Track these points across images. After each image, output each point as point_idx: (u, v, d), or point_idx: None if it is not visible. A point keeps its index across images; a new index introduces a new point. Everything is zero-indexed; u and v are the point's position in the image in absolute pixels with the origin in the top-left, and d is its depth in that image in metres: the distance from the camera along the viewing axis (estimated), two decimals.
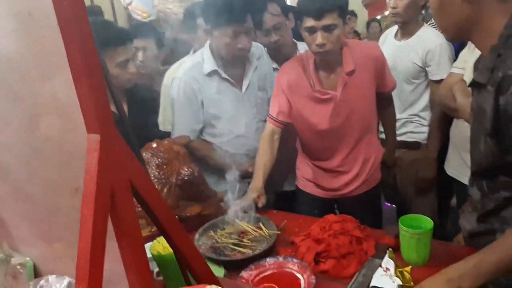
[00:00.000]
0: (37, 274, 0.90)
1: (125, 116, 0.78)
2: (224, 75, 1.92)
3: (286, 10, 2.09)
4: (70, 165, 0.71)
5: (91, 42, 0.62)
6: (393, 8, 2.14)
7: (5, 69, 0.70)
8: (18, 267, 0.89)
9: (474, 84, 1.12)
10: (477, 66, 1.16)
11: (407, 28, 2.20)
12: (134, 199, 0.72)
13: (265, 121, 1.97)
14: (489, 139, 1.06)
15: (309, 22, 1.61)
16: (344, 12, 1.66)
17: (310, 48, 1.70)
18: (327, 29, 1.61)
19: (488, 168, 1.12)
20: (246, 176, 1.87)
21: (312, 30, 1.63)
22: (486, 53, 1.05)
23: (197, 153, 1.95)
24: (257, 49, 2.05)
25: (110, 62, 1.65)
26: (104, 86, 0.64)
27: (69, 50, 0.60)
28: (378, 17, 4.30)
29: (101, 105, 0.63)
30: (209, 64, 1.91)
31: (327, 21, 1.59)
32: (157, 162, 1.52)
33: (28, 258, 0.89)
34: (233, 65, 1.91)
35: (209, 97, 1.92)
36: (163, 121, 2.01)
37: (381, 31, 4.04)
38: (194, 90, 1.90)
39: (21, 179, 0.81)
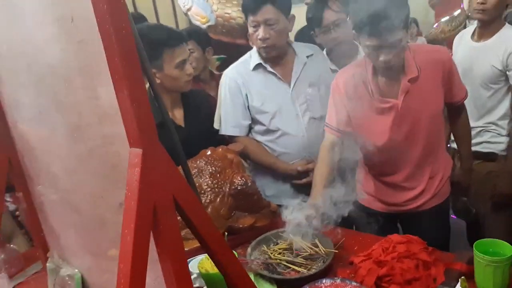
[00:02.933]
0: (84, 286, 0.89)
1: (171, 125, 0.74)
2: (269, 69, 1.92)
3: (347, 5, 2.00)
4: (114, 179, 0.68)
5: (133, 50, 0.58)
6: (482, 3, 1.95)
7: (50, 76, 0.69)
8: (67, 278, 0.88)
9: None
10: None
11: (488, 28, 2.00)
12: (178, 217, 0.67)
13: (316, 119, 1.92)
14: None
15: (369, 41, 1.48)
16: (406, 22, 1.50)
17: (368, 56, 1.59)
18: (390, 47, 1.47)
19: None
20: (297, 178, 1.89)
21: (372, 48, 1.50)
22: None
23: (250, 154, 1.93)
24: (310, 48, 2.03)
25: (169, 64, 1.65)
26: (146, 97, 0.60)
27: (110, 57, 0.57)
28: (445, 18, 4.05)
29: (143, 118, 0.59)
30: (255, 59, 1.93)
31: (390, 38, 1.44)
32: (210, 171, 1.49)
33: (76, 270, 0.88)
34: (275, 60, 1.92)
35: (254, 90, 1.91)
36: (216, 119, 2.01)
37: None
38: (238, 84, 1.92)
39: (68, 189, 0.79)
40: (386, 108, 1.65)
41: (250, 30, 1.84)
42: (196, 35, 2.31)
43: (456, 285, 1.07)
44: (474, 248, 1.13)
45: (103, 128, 0.66)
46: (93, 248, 0.82)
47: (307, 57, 1.97)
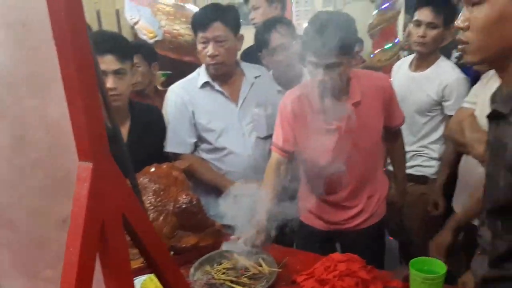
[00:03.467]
0: None
1: (120, 136, 0.71)
2: (217, 87, 1.94)
3: (294, 32, 2.10)
4: (59, 193, 0.64)
5: (89, 59, 0.56)
6: (422, 37, 2.09)
7: None
8: None
9: (493, 116, 1.06)
10: (495, 98, 1.10)
11: (425, 60, 2.15)
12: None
13: (262, 138, 1.95)
14: (510, 174, 0.99)
15: (313, 58, 1.56)
16: (352, 47, 1.61)
17: (313, 81, 1.65)
18: (331, 67, 1.55)
19: (505, 205, 1.05)
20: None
21: (316, 65, 1.57)
22: (509, 84, 1.00)
23: (194, 172, 1.90)
24: (258, 69, 2.07)
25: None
26: (100, 109, 0.58)
27: (64, 66, 0.54)
28: (382, 48, 4.30)
29: (96, 130, 0.57)
30: (203, 77, 1.94)
31: (331, 59, 1.53)
32: (154, 188, 1.45)
33: None
34: (223, 79, 1.94)
35: (200, 108, 1.92)
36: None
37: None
38: (184, 101, 1.91)
39: (4, 202, 0.73)
40: (330, 130, 1.72)
41: (199, 46, 1.85)
42: (143, 49, 2.27)
43: None
44: (410, 266, 1.19)
45: (50, 139, 0.62)
46: (29, 269, 0.76)
47: (255, 77, 2.01)
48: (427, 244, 2.11)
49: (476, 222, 1.31)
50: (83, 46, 0.55)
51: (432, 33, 2.07)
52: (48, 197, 0.67)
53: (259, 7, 2.58)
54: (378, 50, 4.28)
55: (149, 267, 0.70)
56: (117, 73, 1.64)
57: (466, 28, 0.99)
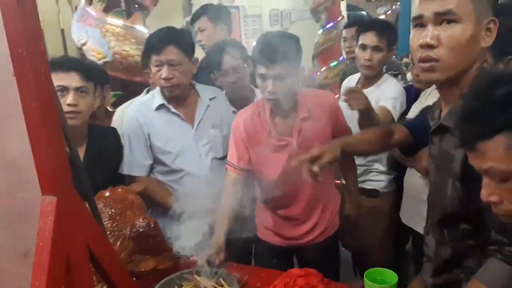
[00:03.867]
0: None
1: (78, 158, 0.71)
2: (173, 109, 1.94)
3: (244, 53, 2.16)
4: (20, 227, 0.64)
5: (51, 95, 0.57)
6: (368, 60, 2.18)
7: None
8: None
9: (438, 130, 1.14)
10: (432, 115, 1.20)
11: (371, 80, 2.26)
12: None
13: (219, 159, 1.96)
14: (458, 183, 1.07)
15: (261, 70, 1.64)
16: (297, 61, 1.69)
17: (262, 94, 1.72)
18: (278, 77, 1.63)
19: (451, 214, 1.13)
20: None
21: (264, 77, 1.64)
22: (453, 101, 1.09)
23: (151, 195, 1.88)
24: (213, 91, 2.09)
25: None
26: (63, 143, 0.59)
27: (25, 103, 0.55)
28: (333, 64, 4.47)
29: (59, 164, 0.58)
30: (158, 100, 1.94)
31: (277, 70, 1.61)
32: (110, 213, 1.43)
33: None
34: (179, 101, 1.95)
35: (156, 130, 1.91)
36: None
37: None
38: (140, 124, 1.91)
39: None
40: (282, 146, 1.78)
41: (154, 69, 1.85)
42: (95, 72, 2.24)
43: None
44: (364, 277, 1.24)
45: (9, 175, 0.62)
46: None
47: (210, 99, 2.03)
48: (379, 253, 2.20)
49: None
50: (45, 84, 0.56)
51: (378, 56, 2.17)
52: (7, 231, 0.66)
53: (204, 29, 2.64)
54: (324, 68, 4.46)
55: None
56: (79, 90, 1.64)
57: (436, 46, 1.03)
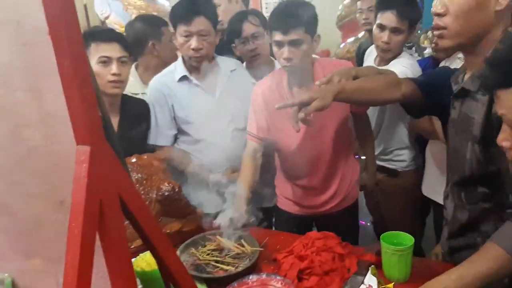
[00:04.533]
0: None
1: (110, 124, 0.76)
2: (195, 81, 1.98)
3: (265, 23, 2.16)
4: (56, 177, 0.69)
5: (82, 53, 0.61)
6: (386, 43, 2.01)
7: None
8: None
9: (460, 94, 1.15)
10: (456, 79, 1.20)
11: (389, 58, 2.11)
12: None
13: (240, 129, 1.99)
14: (477, 146, 1.09)
15: (277, 36, 1.65)
16: (312, 29, 1.69)
17: (279, 62, 1.74)
18: (294, 44, 1.64)
19: (470, 177, 1.15)
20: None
21: (280, 44, 1.66)
22: (476, 65, 1.09)
23: (175, 163, 1.94)
24: (233, 63, 2.13)
25: (92, 58, 1.65)
26: (94, 97, 0.63)
27: (60, 60, 0.59)
28: (351, 39, 4.40)
29: (91, 117, 0.62)
30: (180, 71, 1.97)
31: (293, 36, 1.62)
32: (136, 177, 1.49)
33: (6, 274, 0.85)
34: (201, 72, 1.97)
35: (179, 102, 1.96)
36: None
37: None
38: (164, 95, 1.96)
39: (1, 191, 0.77)
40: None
41: (181, 39, 1.87)
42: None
43: (367, 273, 1.20)
44: (381, 240, 1.28)
45: (45, 128, 0.67)
46: (26, 250, 0.81)
47: (231, 71, 2.06)
48: (400, 224, 2.22)
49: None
50: (77, 41, 0.60)
51: (397, 38, 2.00)
52: (44, 181, 0.72)
53: (220, 4, 2.65)
54: (348, 40, 4.40)
55: (144, 244, 0.76)
56: (120, 60, 1.71)
57: (444, 14, 1.05)
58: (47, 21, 0.59)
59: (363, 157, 2.18)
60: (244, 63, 2.25)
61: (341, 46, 4.53)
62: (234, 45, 2.20)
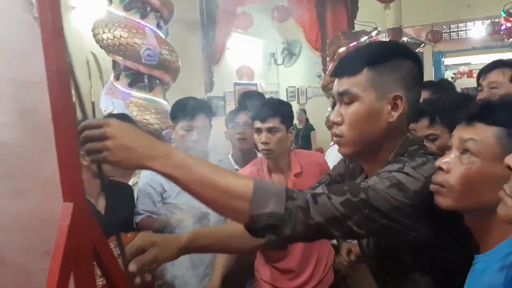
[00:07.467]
0: None
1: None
2: None
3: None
4: (45, 230, 0.88)
5: (74, 136, 0.84)
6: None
7: (4, 151, 0.90)
8: None
9: None
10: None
11: None
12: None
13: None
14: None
15: (257, 124, 1.96)
16: (287, 121, 1.99)
17: (258, 147, 2.00)
18: (270, 130, 1.93)
19: None
20: None
21: (259, 131, 1.96)
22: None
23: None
24: (220, 154, 2.40)
25: None
26: (80, 166, 0.84)
27: (59, 143, 0.81)
28: None
29: (76, 180, 0.83)
30: None
31: (270, 123, 1.93)
32: (118, 253, 1.64)
33: None
34: None
35: (169, 188, 2.13)
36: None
37: None
38: (154, 180, 2.13)
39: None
40: None
41: (182, 132, 2.13)
42: None
43: None
44: None
45: (43, 191, 0.88)
46: None
47: (218, 161, 2.30)
48: None
49: None
50: (72, 126, 0.83)
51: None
52: (35, 234, 0.90)
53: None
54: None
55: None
56: None
57: (340, 123, 1.08)
58: (52, 114, 0.82)
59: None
60: (230, 154, 2.52)
61: (331, 144, 4.84)
62: (226, 131, 2.50)
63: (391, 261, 1.11)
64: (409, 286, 1.09)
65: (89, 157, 0.88)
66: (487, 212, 0.87)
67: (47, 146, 0.85)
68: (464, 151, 0.92)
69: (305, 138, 7.29)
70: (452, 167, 0.92)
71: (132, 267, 1.02)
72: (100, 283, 0.95)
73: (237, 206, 0.92)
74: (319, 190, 0.97)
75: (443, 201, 0.93)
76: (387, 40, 6.17)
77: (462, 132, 0.93)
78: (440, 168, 0.94)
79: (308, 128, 7.43)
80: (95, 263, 0.87)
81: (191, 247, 1.16)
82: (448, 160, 0.94)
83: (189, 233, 1.18)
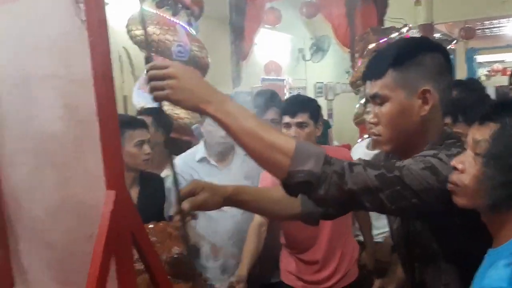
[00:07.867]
0: None
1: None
2: (212, 162, 2.31)
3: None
4: (88, 216, 0.95)
5: (117, 129, 0.90)
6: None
7: (49, 143, 0.97)
8: None
9: None
10: None
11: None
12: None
13: None
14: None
15: (286, 119, 2.02)
16: (315, 116, 2.01)
17: None
18: (300, 125, 1.98)
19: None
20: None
21: (288, 126, 2.01)
22: None
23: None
24: None
25: (129, 142, 1.99)
26: (121, 156, 0.91)
27: (104, 135, 0.88)
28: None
29: (118, 170, 0.89)
30: (201, 153, 2.33)
31: (299, 118, 1.99)
32: (152, 240, 1.72)
33: None
34: (220, 154, 2.32)
35: (197, 178, 2.18)
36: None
37: None
38: (182, 172, 2.21)
39: (46, 228, 1.03)
40: None
41: (209, 128, 2.23)
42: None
43: None
44: None
45: (87, 178, 0.95)
46: (61, 279, 1.04)
47: (245, 154, 2.36)
48: None
49: None
50: (114, 122, 0.89)
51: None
52: (79, 220, 0.97)
53: None
54: (364, 136, 4.71)
55: (147, 272, 0.98)
56: (149, 141, 2.12)
57: (377, 123, 1.14)
58: (97, 109, 0.89)
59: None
60: None
61: (359, 140, 4.85)
62: None
63: (418, 247, 1.15)
64: (435, 273, 1.12)
65: (152, 94, 0.99)
66: (501, 210, 0.90)
67: (90, 139, 0.91)
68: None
69: (322, 135, 7.26)
70: (467, 166, 0.95)
71: (185, 205, 1.17)
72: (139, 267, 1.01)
73: (279, 160, 0.98)
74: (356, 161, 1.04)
75: (459, 200, 0.97)
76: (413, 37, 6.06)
77: (475, 133, 0.96)
78: (455, 168, 0.97)
79: (325, 125, 7.40)
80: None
81: (234, 199, 1.28)
82: (463, 159, 0.96)
83: (234, 186, 1.31)
